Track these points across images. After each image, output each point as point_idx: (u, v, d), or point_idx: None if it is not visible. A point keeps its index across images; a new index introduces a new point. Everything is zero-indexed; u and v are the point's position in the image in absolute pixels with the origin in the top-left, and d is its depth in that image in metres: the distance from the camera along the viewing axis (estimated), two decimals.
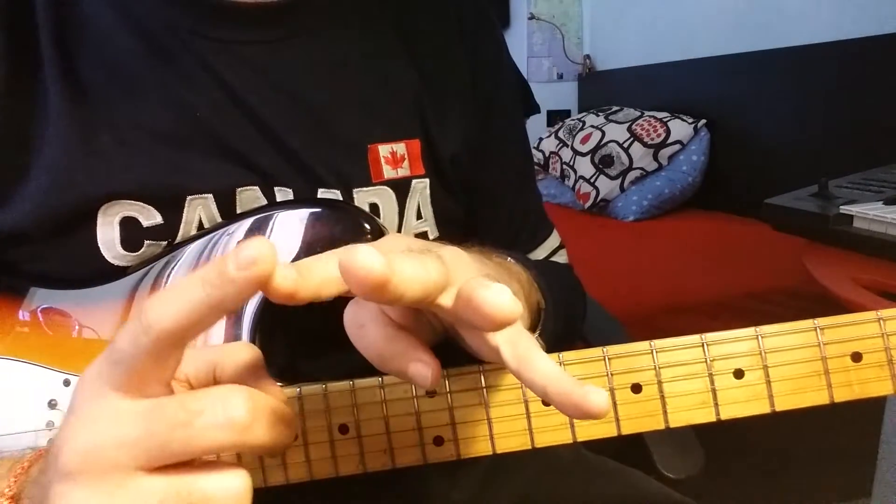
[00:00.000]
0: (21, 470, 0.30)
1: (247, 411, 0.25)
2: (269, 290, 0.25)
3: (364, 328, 0.31)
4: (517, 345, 0.29)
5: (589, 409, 0.26)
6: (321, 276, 0.26)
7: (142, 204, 0.45)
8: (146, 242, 0.46)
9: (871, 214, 0.94)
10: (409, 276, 0.25)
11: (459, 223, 0.58)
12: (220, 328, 0.43)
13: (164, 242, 0.46)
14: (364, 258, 0.24)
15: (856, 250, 0.98)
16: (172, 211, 0.46)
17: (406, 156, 0.53)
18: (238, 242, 0.24)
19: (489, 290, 0.26)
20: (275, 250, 0.23)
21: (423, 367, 0.29)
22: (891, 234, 0.91)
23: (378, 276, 0.24)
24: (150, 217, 0.46)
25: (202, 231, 0.46)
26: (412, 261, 0.26)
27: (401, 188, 0.52)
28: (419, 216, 0.54)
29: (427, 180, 0.54)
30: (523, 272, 0.44)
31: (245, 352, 0.30)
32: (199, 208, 0.47)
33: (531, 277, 0.45)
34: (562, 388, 0.27)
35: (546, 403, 0.35)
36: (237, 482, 0.26)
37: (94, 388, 0.25)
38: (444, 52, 0.56)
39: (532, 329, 0.44)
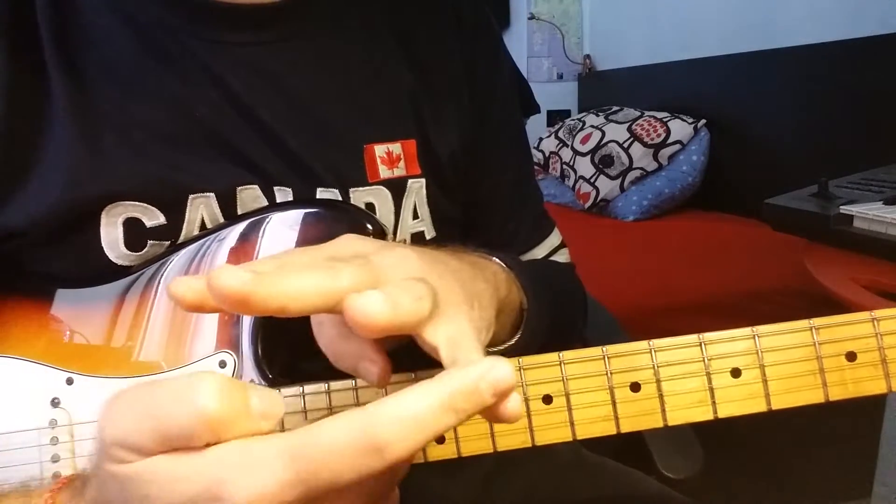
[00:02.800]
0: None
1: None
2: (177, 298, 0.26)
3: (322, 325, 0.31)
4: (457, 346, 0.29)
5: (500, 414, 0.25)
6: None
7: (145, 204, 0.46)
8: (149, 242, 0.46)
9: (871, 214, 0.94)
10: (289, 288, 0.25)
11: (456, 222, 0.58)
12: (213, 324, 0.43)
13: (167, 242, 0.46)
14: (221, 277, 0.24)
15: (856, 250, 0.98)
16: (175, 211, 0.46)
17: (402, 156, 0.53)
18: (490, 371, 0.24)
19: (359, 297, 0.25)
20: (514, 373, 0.24)
21: (370, 366, 0.30)
22: (891, 234, 0.91)
23: (233, 293, 0.24)
24: (153, 217, 0.46)
25: (199, 234, 0.47)
26: (309, 272, 0.26)
27: (397, 188, 0.53)
28: (415, 216, 0.54)
29: (423, 180, 0.54)
30: (501, 272, 0.44)
31: (213, 406, 0.24)
32: (202, 207, 0.47)
33: (511, 277, 0.45)
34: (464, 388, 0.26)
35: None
36: None
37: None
38: (440, 52, 0.56)
39: (514, 328, 0.44)
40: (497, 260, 0.45)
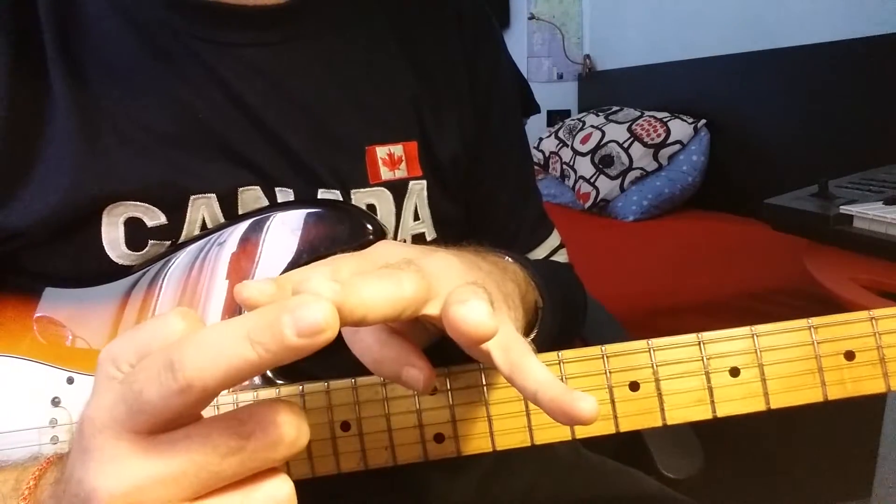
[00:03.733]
0: (27, 493, 0.29)
1: (294, 426, 0.24)
2: (249, 307, 0.25)
3: (358, 333, 0.31)
4: (510, 349, 0.29)
5: (577, 415, 0.26)
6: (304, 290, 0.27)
7: (146, 205, 0.46)
8: (150, 242, 0.46)
9: (871, 214, 0.94)
10: (369, 297, 0.25)
11: (457, 224, 0.58)
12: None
13: (168, 242, 0.47)
14: (314, 286, 0.23)
15: (856, 250, 0.98)
16: (176, 211, 0.46)
17: (403, 157, 0.53)
18: (299, 304, 0.21)
19: (463, 306, 0.25)
20: (335, 311, 0.22)
21: (415, 373, 0.30)
22: (891, 234, 0.91)
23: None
24: (154, 217, 0.46)
25: (202, 232, 0.47)
26: (380, 281, 0.26)
27: (398, 189, 0.53)
28: (416, 217, 0.54)
29: (424, 182, 0.54)
30: (520, 271, 0.44)
31: (179, 325, 0.26)
32: (203, 208, 0.47)
33: (528, 276, 0.45)
34: (552, 394, 0.27)
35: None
36: (285, 488, 0.25)
37: (113, 431, 0.24)
38: (442, 54, 0.57)
39: (530, 327, 0.45)
40: (510, 259, 0.46)
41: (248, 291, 0.26)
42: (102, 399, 0.24)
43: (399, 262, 0.30)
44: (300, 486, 0.36)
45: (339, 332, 0.33)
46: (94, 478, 0.24)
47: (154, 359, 0.23)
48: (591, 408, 0.26)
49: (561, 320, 0.49)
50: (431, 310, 0.28)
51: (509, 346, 0.29)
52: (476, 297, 0.27)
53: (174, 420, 0.24)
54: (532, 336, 0.44)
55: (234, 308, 0.44)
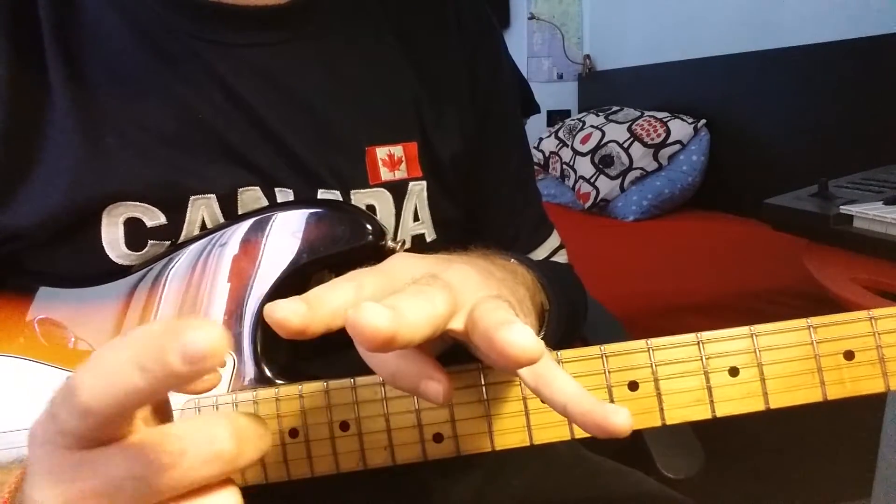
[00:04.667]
0: (7, 498, 0.29)
1: (233, 441, 0.24)
2: (280, 328, 0.25)
3: None
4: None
5: (612, 429, 0.26)
6: (332, 308, 0.26)
7: (146, 205, 0.46)
8: (150, 242, 0.46)
9: (871, 214, 0.94)
10: (414, 320, 0.25)
11: (457, 225, 0.58)
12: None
13: (168, 242, 0.47)
14: (371, 317, 0.23)
15: (856, 250, 0.98)
16: (176, 211, 0.46)
17: (403, 158, 0.53)
18: (186, 330, 0.20)
19: (511, 331, 0.25)
20: (225, 338, 0.21)
21: (435, 385, 0.29)
22: (891, 234, 0.91)
23: (385, 334, 0.23)
24: (154, 217, 0.46)
25: (203, 231, 0.47)
26: (418, 301, 0.26)
27: (398, 190, 0.53)
28: (416, 218, 0.54)
29: (424, 182, 0.54)
30: (528, 274, 0.44)
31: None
32: (202, 208, 0.47)
33: (535, 279, 0.45)
34: (583, 408, 0.27)
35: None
36: (230, 500, 0.25)
37: (50, 447, 0.24)
38: (442, 54, 0.57)
39: (537, 330, 0.45)
40: (515, 261, 0.46)
41: (282, 313, 0.25)
42: (42, 414, 0.24)
43: (424, 277, 0.29)
44: (300, 486, 0.36)
45: (341, 331, 0.33)
46: (36, 491, 0.24)
47: (66, 381, 0.23)
48: (626, 420, 0.26)
49: (566, 322, 0.49)
50: (456, 324, 0.28)
51: None
52: (512, 315, 0.26)
53: (98, 439, 0.24)
54: (540, 337, 0.44)
55: (235, 310, 0.44)
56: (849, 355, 0.34)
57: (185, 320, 0.21)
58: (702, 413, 0.34)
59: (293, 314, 0.25)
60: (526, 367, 0.26)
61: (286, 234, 0.45)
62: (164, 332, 0.21)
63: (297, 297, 0.26)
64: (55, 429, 0.24)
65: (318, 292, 0.27)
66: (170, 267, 0.45)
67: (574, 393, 0.27)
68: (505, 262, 0.43)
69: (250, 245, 0.45)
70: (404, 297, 0.26)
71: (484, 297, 0.29)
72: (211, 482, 0.24)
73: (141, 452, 0.23)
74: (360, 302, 0.24)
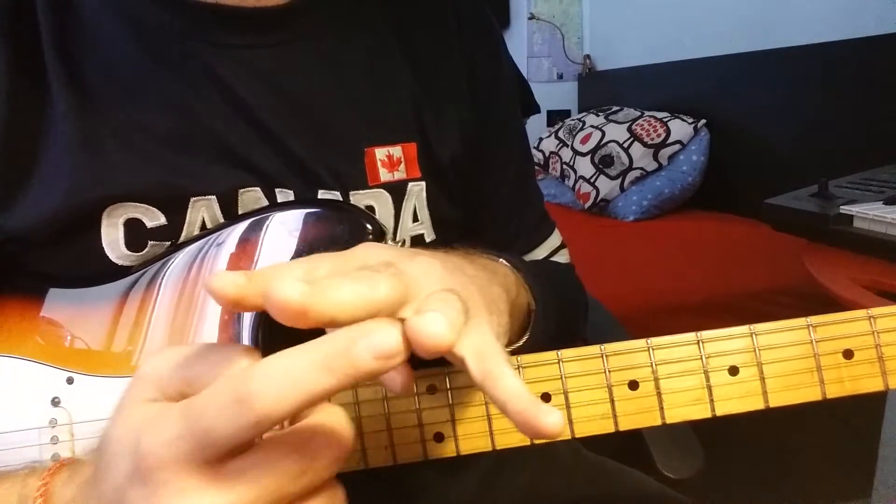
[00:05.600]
0: None
1: (349, 436, 0.25)
2: (216, 297, 0.25)
3: None
4: (484, 357, 0.29)
5: (541, 429, 0.26)
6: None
7: (146, 206, 0.46)
8: (150, 243, 0.46)
9: (871, 214, 0.94)
10: (339, 300, 0.25)
11: (456, 225, 0.58)
12: (214, 323, 0.43)
13: (168, 243, 0.47)
14: (282, 289, 0.23)
15: (856, 250, 0.98)
16: (176, 212, 0.46)
17: (402, 159, 0.53)
18: (372, 330, 0.23)
19: (421, 318, 0.25)
20: (402, 336, 0.23)
21: (394, 374, 0.30)
22: (891, 234, 0.91)
23: (295, 307, 0.23)
24: (154, 218, 0.46)
25: (201, 232, 0.47)
26: (352, 283, 0.26)
27: (397, 191, 0.53)
28: (415, 219, 0.54)
29: (423, 183, 0.54)
30: (511, 274, 0.44)
31: (244, 364, 0.27)
32: (203, 209, 0.47)
33: (520, 279, 0.45)
34: (519, 407, 0.27)
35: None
36: (341, 493, 0.26)
37: (182, 465, 0.23)
38: (442, 55, 0.57)
39: (522, 330, 0.45)
40: (504, 261, 0.45)
41: (219, 282, 0.25)
42: (164, 433, 0.24)
43: (378, 264, 0.30)
44: None
45: None
46: None
47: (220, 394, 0.23)
48: (556, 422, 0.26)
49: (557, 322, 0.49)
50: (408, 314, 0.28)
51: (484, 354, 0.29)
52: (445, 306, 0.26)
53: (243, 449, 0.24)
54: (524, 338, 0.44)
55: (229, 313, 0.44)
56: (848, 354, 0.34)
57: (370, 322, 0.23)
58: (702, 412, 0.35)
59: (228, 284, 0.25)
60: (438, 356, 0.26)
61: (283, 234, 0.45)
62: (349, 334, 0.23)
63: (241, 271, 0.26)
64: (197, 446, 0.23)
65: (265, 269, 0.27)
66: (166, 267, 0.45)
67: (515, 391, 0.27)
68: (486, 262, 0.43)
69: (248, 245, 0.45)
70: (339, 278, 0.26)
71: (436, 290, 0.29)
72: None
73: (279, 461, 0.24)
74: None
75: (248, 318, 0.43)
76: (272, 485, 0.24)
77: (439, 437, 0.36)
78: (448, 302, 0.27)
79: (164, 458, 0.24)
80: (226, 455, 0.24)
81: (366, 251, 0.33)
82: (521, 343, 0.44)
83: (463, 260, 0.38)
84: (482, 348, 0.29)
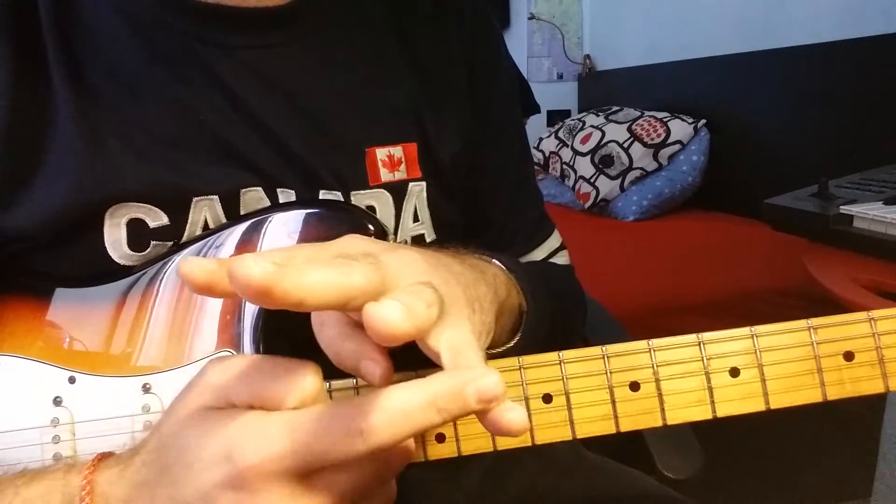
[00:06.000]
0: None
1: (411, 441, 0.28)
2: (186, 282, 0.26)
3: (324, 326, 0.32)
4: (459, 354, 0.29)
5: (505, 426, 0.26)
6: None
7: (149, 206, 0.46)
8: (152, 243, 0.46)
9: (871, 214, 0.94)
10: (308, 283, 0.25)
11: (457, 225, 0.58)
12: (214, 322, 0.43)
13: (170, 243, 0.47)
14: (245, 267, 0.24)
15: (856, 250, 0.98)
16: (178, 212, 0.46)
17: (403, 159, 0.53)
18: (478, 377, 0.26)
19: (376, 305, 0.25)
20: (503, 383, 0.26)
21: (372, 365, 0.30)
22: (891, 234, 0.91)
23: (257, 284, 0.24)
24: (156, 218, 0.46)
25: (203, 233, 0.47)
26: (324, 268, 0.26)
27: (397, 191, 0.53)
28: (416, 219, 0.54)
29: (424, 183, 0.54)
30: (501, 274, 0.44)
31: (314, 385, 0.29)
32: (205, 209, 0.47)
33: (511, 280, 0.45)
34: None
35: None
36: (395, 488, 0.30)
37: (280, 476, 0.26)
38: (442, 55, 0.57)
39: (513, 331, 0.45)
40: (497, 262, 0.45)
41: (188, 267, 0.26)
42: (269, 447, 0.26)
43: (357, 253, 0.30)
44: None
45: None
46: None
47: (336, 423, 0.26)
48: (518, 419, 0.26)
49: (551, 324, 0.49)
50: None
51: (459, 350, 0.29)
52: (411, 297, 0.27)
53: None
54: (515, 339, 0.44)
55: (230, 312, 0.44)
56: (849, 356, 0.34)
57: (474, 370, 0.26)
58: (703, 413, 0.35)
59: (198, 269, 0.26)
60: (392, 343, 0.26)
61: (283, 235, 0.45)
62: (457, 379, 0.25)
63: (214, 258, 0.27)
64: (303, 463, 0.26)
65: (241, 256, 0.27)
66: (167, 267, 0.45)
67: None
68: (476, 262, 0.42)
69: (248, 245, 0.45)
70: (312, 263, 0.26)
71: (411, 283, 0.29)
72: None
73: (366, 468, 0.27)
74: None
75: (248, 319, 0.43)
76: (357, 492, 0.26)
77: (440, 438, 0.36)
78: (418, 293, 0.27)
79: (265, 471, 0.26)
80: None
81: (348, 242, 0.33)
82: (511, 344, 0.44)
83: (450, 258, 0.38)
84: (457, 344, 0.29)
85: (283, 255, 0.29)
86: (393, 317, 0.25)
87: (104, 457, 0.32)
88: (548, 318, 0.48)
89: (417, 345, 0.30)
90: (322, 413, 0.26)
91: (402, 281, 0.29)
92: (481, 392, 0.25)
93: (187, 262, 0.26)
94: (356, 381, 0.36)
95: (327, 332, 0.31)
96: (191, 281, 0.26)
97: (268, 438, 0.26)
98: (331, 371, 0.37)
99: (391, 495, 0.29)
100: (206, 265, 0.26)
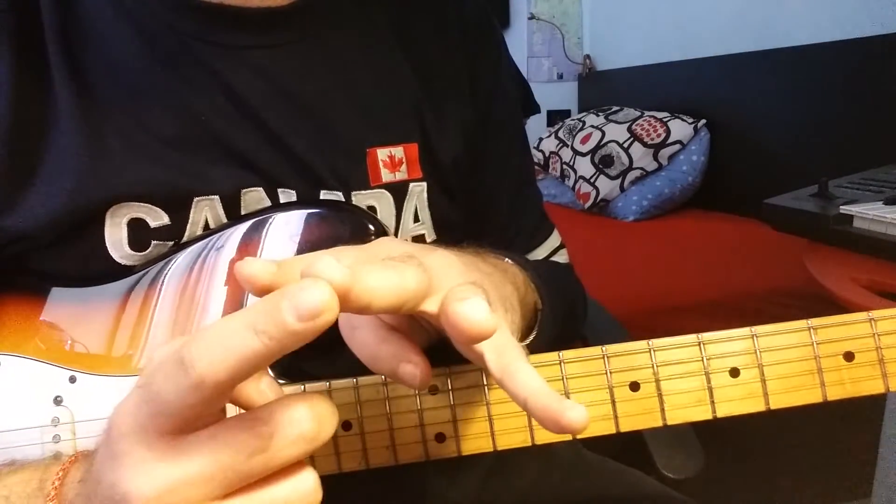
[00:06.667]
0: (54, 493, 0.30)
1: (314, 422, 0.25)
2: (247, 283, 0.25)
3: (357, 330, 0.31)
4: (503, 353, 0.29)
5: (567, 424, 0.26)
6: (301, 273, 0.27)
7: (149, 206, 0.46)
8: (153, 243, 0.46)
9: (871, 214, 0.94)
10: (374, 285, 0.25)
11: (457, 226, 0.58)
12: None
13: (171, 242, 0.47)
14: (323, 269, 0.23)
15: (856, 250, 0.98)
16: (179, 212, 0.46)
17: (404, 159, 0.53)
18: (298, 289, 0.22)
19: (464, 304, 0.25)
20: (336, 295, 0.22)
21: (412, 368, 0.30)
22: (891, 234, 0.91)
23: (338, 286, 0.23)
24: (157, 218, 0.46)
25: (204, 232, 0.47)
26: (384, 270, 0.26)
27: (398, 191, 0.53)
28: (416, 219, 0.54)
29: (424, 184, 0.54)
30: (520, 273, 0.44)
31: None
32: (206, 209, 0.47)
33: (528, 278, 0.45)
34: (542, 403, 0.27)
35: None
36: (309, 480, 0.26)
37: (142, 435, 0.24)
38: (443, 56, 0.57)
39: (528, 329, 0.45)
40: (509, 260, 0.45)
41: (250, 268, 0.26)
42: (126, 403, 0.25)
43: (401, 255, 0.30)
44: None
45: (340, 331, 0.33)
46: (127, 482, 0.24)
47: (167, 360, 0.23)
48: (581, 417, 0.26)
49: (561, 322, 0.49)
50: (430, 306, 0.28)
51: (503, 350, 0.29)
52: (476, 295, 0.27)
53: (195, 420, 0.24)
54: (531, 338, 0.44)
55: (234, 303, 0.44)
56: (849, 356, 0.35)
57: (300, 282, 0.22)
58: (703, 413, 0.35)
59: (262, 271, 0.25)
60: (480, 342, 0.26)
61: (285, 235, 0.45)
62: (277, 295, 0.22)
63: (271, 259, 0.26)
64: (149, 413, 0.24)
65: (291, 258, 0.27)
66: (168, 267, 0.45)
67: (536, 387, 0.27)
68: (496, 261, 0.43)
69: (249, 246, 0.45)
70: (372, 265, 0.26)
71: (461, 283, 0.29)
72: (293, 463, 0.25)
73: (232, 438, 0.24)
74: None
75: None
76: (226, 459, 0.24)
77: (441, 438, 0.36)
78: (477, 292, 0.27)
79: (123, 427, 0.24)
80: (185, 426, 0.24)
81: (387, 244, 0.33)
82: (527, 342, 0.44)
83: (476, 258, 0.39)
84: (500, 344, 0.29)
85: (328, 257, 0.29)
86: (484, 316, 0.25)
87: (81, 455, 0.32)
88: (560, 317, 0.48)
89: (455, 345, 0.30)
90: (157, 354, 0.25)
91: (445, 282, 0.29)
92: (299, 307, 0.21)
93: (249, 264, 0.26)
94: (356, 381, 0.36)
95: (361, 336, 0.31)
96: (253, 283, 0.25)
97: (128, 396, 0.25)
98: (335, 372, 0.37)
99: (307, 491, 0.26)
100: (268, 267, 0.25)
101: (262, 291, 0.26)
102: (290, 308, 0.21)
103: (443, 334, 0.33)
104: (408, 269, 0.27)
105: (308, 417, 0.25)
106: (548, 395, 0.27)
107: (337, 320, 0.32)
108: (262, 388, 0.29)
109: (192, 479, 0.24)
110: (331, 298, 0.22)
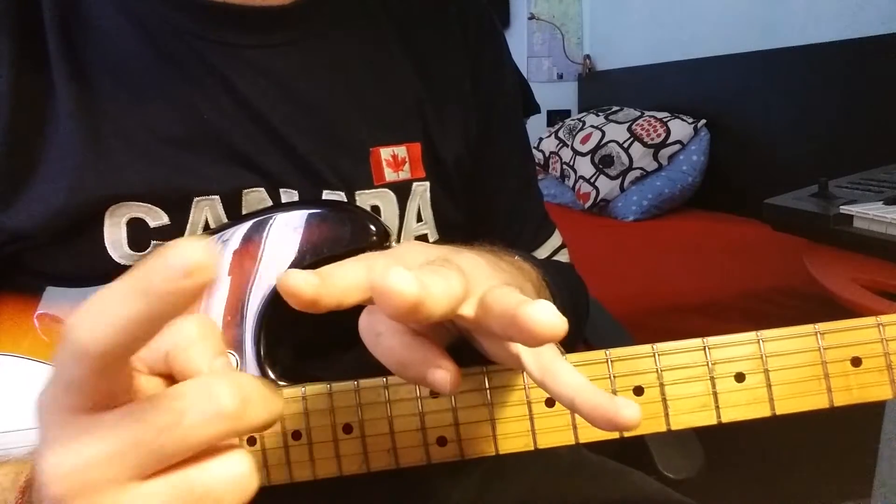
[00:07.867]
0: (24, 486, 0.29)
1: (235, 399, 0.23)
2: (291, 297, 0.24)
3: (381, 336, 0.30)
4: (540, 353, 0.28)
5: (622, 423, 0.26)
6: (344, 284, 0.26)
7: (149, 205, 0.46)
8: (153, 243, 0.46)
9: (871, 214, 0.94)
10: (437, 294, 0.25)
11: (459, 226, 0.58)
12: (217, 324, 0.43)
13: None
14: (398, 281, 0.23)
15: (856, 250, 0.98)
16: (179, 212, 0.46)
17: (407, 159, 0.53)
18: (171, 248, 0.20)
19: (534, 307, 0.25)
20: (213, 250, 0.21)
21: (443, 374, 0.29)
22: (891, 234, 0.91)
23: (412, 299, 0.23)
24: (157, 218, 0.46)
25: (203, 234, 0.47)
26: (438, 277, 0.25)
27: (401, 191, 0.53)
28: (419, 219, 0.54)
29: (427, 183, 0.54)
30: (533, 271, 0.44)
31: (194, 328, 0.27)
32: (206, 209, 0.47)
33: (540, 276, 0.45)
34: (593, 402, 0.26)
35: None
36: (239, 464, 0.24)
37: (56, 414, 0.23)
38: (445, 56, 0.57)
39: None
40: (520, 258, 0.45)
41: (295, 282, 0.25)
42: (45, 385, 0.24)
43: (438, 259, 0.29)
44: (302, 488, 0.36)
45: (341, 333, 0.33)
46: (43, 461, 0.23)
47: (63, 335, 0.22)
48: (636, 414, 0.26)
49: (571, 322, 0.49)
50: (466, 310, 0.28)
51: (539, 350, 0.28)
52: (535, 298, 0.26)
53: (106, 396, 0.23)
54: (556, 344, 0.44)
55: (235, 304, 0.43)
56: (856, 362, 0.34)
57: (173, 242, 0.21)
58: (707, 419, 0.34)
59: (306, 284, 0.25)
60: (547, 343, 0.25)
61: (287, 234, 0.44)
62: (152, 257, 0.21)
63: (311, 270, 0.25)
64: (59, 387, 0.23)
65: (328, 269, 0.27)
66: None
67: (582, 386, 0.27)
68: (511, 259, 0.43)
69: (251, 244, 0.45)
70: (425, 273, 0.25)
71: (496, 284, 0.29)
72: (217, 443, 0.24)
73: (142, 414, 0.23)
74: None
75: (250, 320, 0.43)
76: (136, 435, 0.23)
77: (442, 441, 0.36)
78: (522, 295, 0.27)
79: (41, 408, 0.24)
80: (94, 405, 0.23)
81: (414, 248, 0.33)
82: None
83: (495, 257, 0.39)
84: None
85: (362, 265, 0.28)
86: (556, 317, 0.24)
87: None
88: (569, 316, 0.48)
89: (482, 347, 0.29)
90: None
91: (477, 284, 0.29)
92: (175, 263, 0.20)
93: (293, 277, 0.25)
94: (357, 383, 0.36)
95: (387, 342, 0.30)
96: (297, 296, 0.25)
97: (46, 382, 0.24)
98: (336, 373, 0.37)
99: (236, 475, 0.24)
100: (311, 280, 0.25)
101: (307, 306, 0.25)
102: (166, 267, 0.20)
103: (464, 333, 0.33)
104: (451, 274, 0.26)
105: (227, 394, 0.23)
106: (597, 394, 0.26)
107: (348, 319, 0.31)
108: (217, 367, 0.27)
109: (104, 456, 0.23)
110: (204, 253, 0.20)
